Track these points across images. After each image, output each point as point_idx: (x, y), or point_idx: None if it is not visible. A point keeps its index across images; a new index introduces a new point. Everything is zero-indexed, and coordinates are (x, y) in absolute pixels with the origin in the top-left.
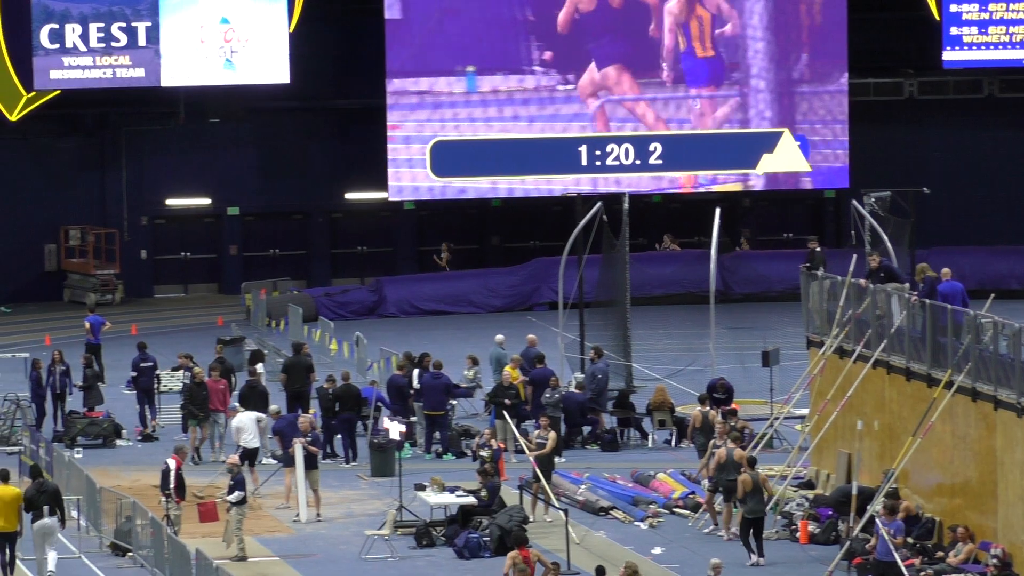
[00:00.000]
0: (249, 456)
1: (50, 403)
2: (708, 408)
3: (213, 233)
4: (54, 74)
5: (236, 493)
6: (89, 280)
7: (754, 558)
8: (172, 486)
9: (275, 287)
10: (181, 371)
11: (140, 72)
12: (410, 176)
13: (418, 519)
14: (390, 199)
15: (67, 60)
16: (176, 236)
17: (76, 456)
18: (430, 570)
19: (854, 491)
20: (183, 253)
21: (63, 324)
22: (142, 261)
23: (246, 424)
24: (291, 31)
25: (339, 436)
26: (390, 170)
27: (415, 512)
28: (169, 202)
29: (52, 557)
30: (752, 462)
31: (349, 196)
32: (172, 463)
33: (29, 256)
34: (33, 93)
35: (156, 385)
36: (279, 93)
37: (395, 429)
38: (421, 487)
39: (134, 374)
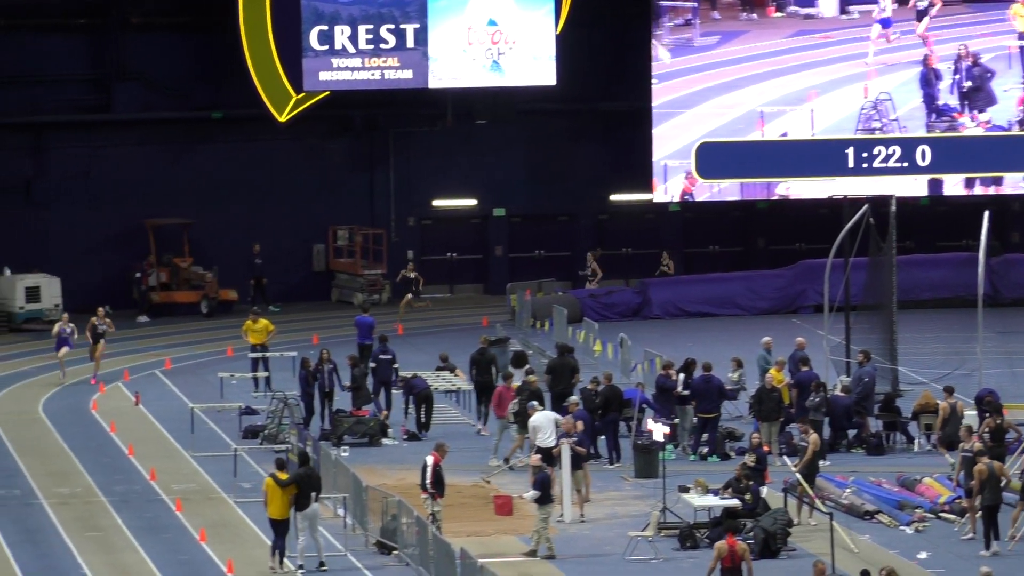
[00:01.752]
0: (547, 455)
1: (317, 402)
2: (955, 400)
3: (479, 234)
4: (323, 76)
5: (532, 492)
6: (356, 280)
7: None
8: (428, 482)
9: (540, 288)
10: (445, 371)
11: (408, 74)
12: (675, 178)
13: (682, 521)
14: (655, 201)
15: (336, 62)
16: (442, 237)
17: (342, 454)
18: (693, 572)
19: None
20: (449, 254)
21: (331, 324)
22: (409, 262)
23: (543, 423)
24: (558, 33)
25: (603, 437)
26: (655, 172)
27: (679, 514)
28: (436, 203)
29: (317, 545)
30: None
31: (614, 198)
32: (430, 460)
33: (299, 256)
34: (303, 94)
35: (394, 377)
36: (545, 95)
37: (659, 430)
38: (685, 489)
39: (372, 365)
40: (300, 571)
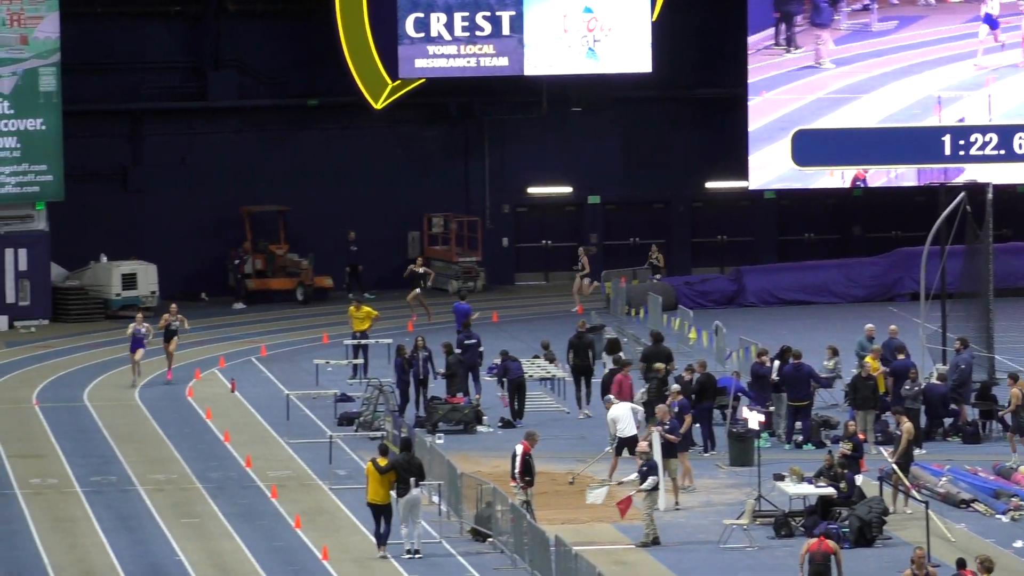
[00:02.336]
0: (627, 445)
1: (412, 389)
2: None
3: (574, 221)
4: (419, 63)
5: (650, 479)
6: (451, 267)
7: None
8: (516, 471)
9: (635, 276)
10: (541, 359)
11: (504, 61)
12: (771, 165)
13: (777, 509)
14: (751, 188)
15: (432, 49)
16: (537, 224)
17: (437, 442)
18: (789, 560)
19: None
20: (544, 241)
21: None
22: (503, 249)
23: (622, 414)
24: (653, 20)
25: (697, 425)
26: (751, 159)
27: (774, 502)
28: (531, 190)
29: (417, 532)
30: None
31: (710, 185)
32: (520, 448)
33: (394, 243)
34: (398, 82)
35: (481, 361)
36: (641, 82)
37: (754, 418)
38: (780, 477)
39: (458, 351)
40: (406, 556)
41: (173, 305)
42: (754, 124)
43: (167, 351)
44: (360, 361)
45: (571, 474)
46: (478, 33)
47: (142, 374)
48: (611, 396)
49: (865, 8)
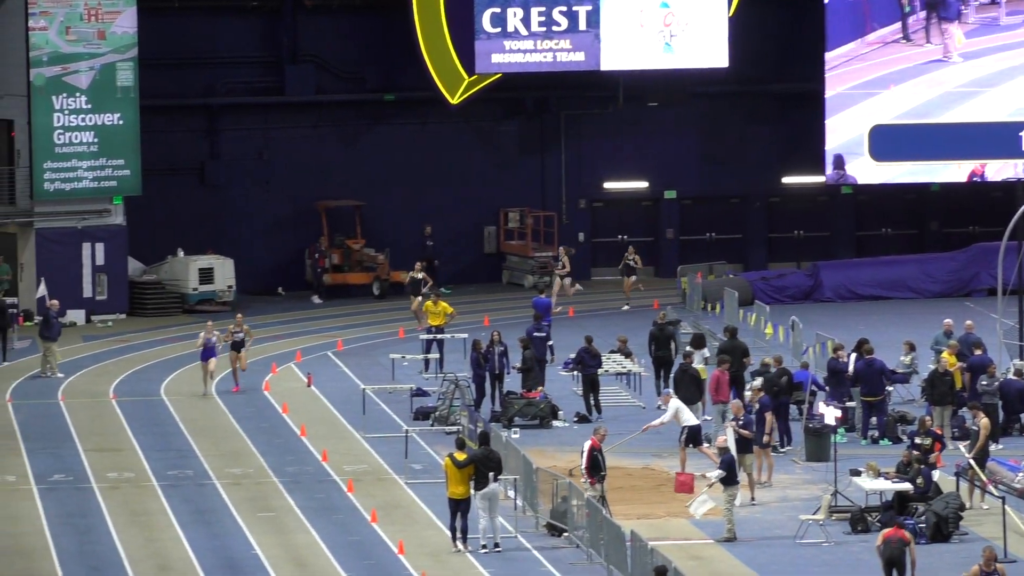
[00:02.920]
0: (692, 436)
1: (488, 384)
2: None
3: (650, 216)
4: (495, 58)
5: (717, 472)
6: (527, 262)
7: None
8: (584, 466)
9: (711, 271)
10: (618, 354)
11: (580, 56)
12: (848, 160)
13: (853, 504)
14: (828, 184)
15: (508, 44)
16: (613, 219)
17: (513, 436)
18: (865, 555)
19: None
20: (620, 236)
21: (501, 306)
22: (580, 244)
23: (682, 404)
24: (730, 15)
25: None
26: (828, 154)
27: (850, 497)
28: (607, 185)
29: (495, 525)
30: None
31: (786, 180)
32: (587, 444)
33: (470, 238)
34: (475, 77)
35: (551, 356)
36: (718, 77)
37: (830, 414)
38: (856, 472)
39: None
40: (483, 551)
41: (239, 315)
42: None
43: (233, 364)
44: (435, 356)
45: (647, 468)
46: (554, 28)
47: (214, 379)
48: (669, 390)
49: (993, 2)
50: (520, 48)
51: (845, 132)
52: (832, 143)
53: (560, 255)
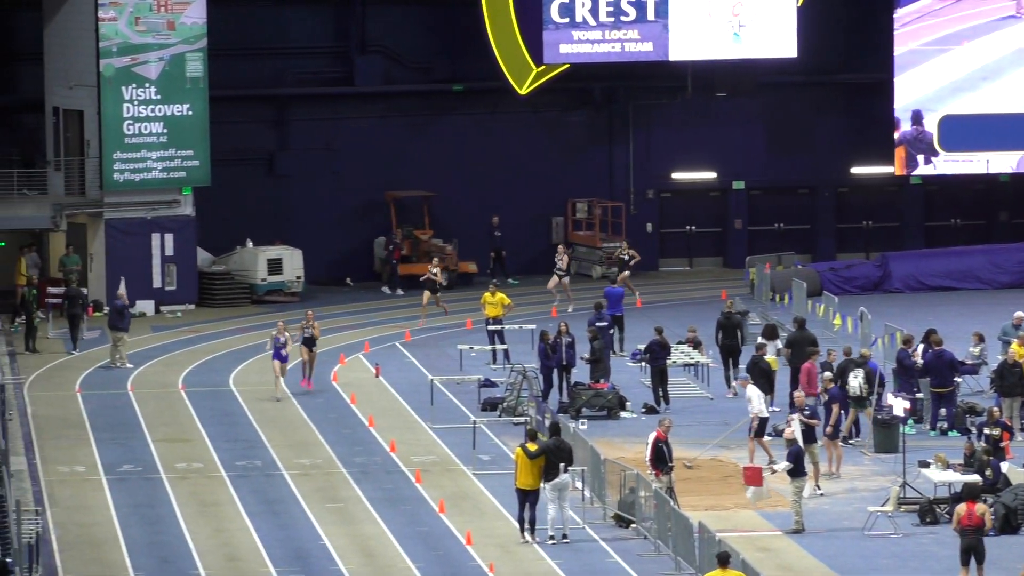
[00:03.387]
0: (759, 427)
1: (556, 374)
2: None
3: (718, 207)
4: (564, 48)
5: (783, 463)
6: (595, 253)
7: None
8: (648, 458)
9: (780, 261)
10: (688, 344)
11: (648, 46)
12: (917, 150)
13: (922, 496)
14: (897, 174)
15: (577, 34)
16: (681, 210)
17: (581, 427)
18: (934, 548)
19: None
20: (688, 227)
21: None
22: (647, 234)
23: (754, 394)
24: (799, 5)
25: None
26: (897, 144)
27: (919, 489)
28: (675, 176)
29: (564, 516)
30: None
31: (855, 170)
32: (652, 436)
33: (538, 229)
34: (543, 67)
35: (618, 347)
36: (786, 67)
37: (899, 405)
38: (925, 464)
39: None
40: (550, 542)
41: (309, 311)
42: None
43: (305, 359)
44: (504, 347)
45: (690, 460)
46: (623, 18)
47: (285, 377)
48: (746, 375)
49: None
50: (588, 38)
51: (916, 91)
52: (902, 126)
53: (559, 253)
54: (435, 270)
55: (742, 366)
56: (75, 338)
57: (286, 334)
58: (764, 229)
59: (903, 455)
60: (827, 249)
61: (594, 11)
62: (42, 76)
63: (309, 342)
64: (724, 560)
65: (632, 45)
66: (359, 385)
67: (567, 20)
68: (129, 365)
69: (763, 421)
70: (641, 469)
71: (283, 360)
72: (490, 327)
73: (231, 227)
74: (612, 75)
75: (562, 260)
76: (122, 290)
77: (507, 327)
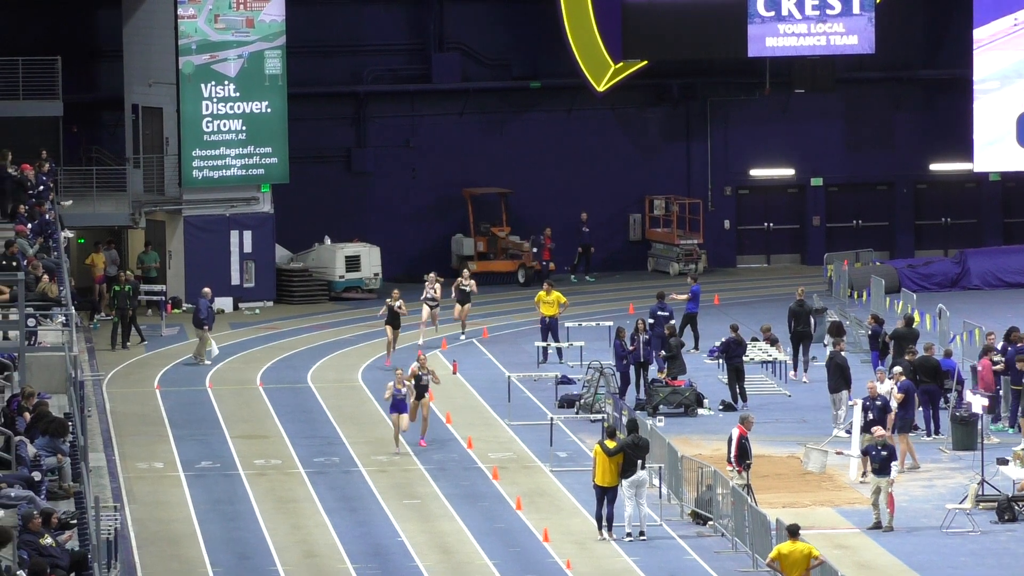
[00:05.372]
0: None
1: (633, 371)
2: None
3: (796, 204)
4: (769, 42)
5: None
6: (673, 250)
7: None
8: (732, 455)
9: (858, 258)
10: (765, 342)
11: (854, 39)
12: (997, 147)
13: (1000, 494)
14: (975, 170)
15: (782, 28)
16: (759, 206)
17: (658, 424)
18: (1012, 545)
19: None
20: (766, 223)
21: (647, 293)
22: (725, 231)
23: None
24: (878, 2)
25: (920, 408)
26: (976, 141)
27: (997, 486)
28: (753, 172)
29: (641, 513)
30: None
31: (934, 167)
32: (735, 432)
33: (615, 226)
34: (620, 64)
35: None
36: (865, 63)
37: (978, 402)
38: (1003, 461)
39: (651, 321)
40: (628, 539)
41: (421, 353)
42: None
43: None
44: (565, 344)
45: (792, 456)
46: (828, 11)
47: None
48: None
49: None
50: (794, 32)
51: (993, 114)
52: (980, 128)
53: (430, 282)
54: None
55: (813, 354)
56: (124, 335)
57: (406, 383)
58: (842, 226)
59: (982, 452)
60: (905, 246)
61: (799, 5)
62: (121, 74)
63: (421, 391)
64: (794, 531)
65: (837, 39)
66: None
67: (772, 14)
68: (207, 362)
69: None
70: (719, 466)
71: (403, 411)
72: (544, 326)
73: (309, 224)
74: (690, 71)
75: (434, 289)
76: (207, 288)
77: (584, 324)
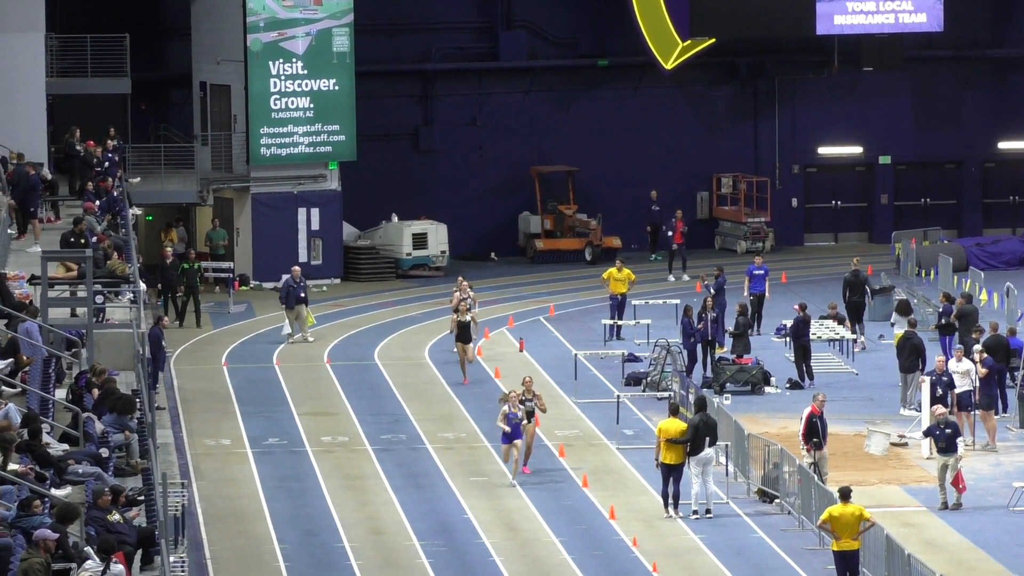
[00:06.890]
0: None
1: (700, 349)
2: None
3: (864, 182)
4: (838, 19)
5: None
6: (740, 228)
7: None
8: (801, 432)
9: (925, 236)
10: (832, 320)
11: (922, 17)
12: None
13: None
14: None
15: (851, 6)
16: (827, 185)
17: (724, 402)
18: None
19: None
20: (833, 202)
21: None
22: (793, 209)
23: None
24: None
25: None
26: None
27: None
28: (821, 151)
29: (708, 491)
30: None
31: (1003, 146)
32: (807, 410)
33: (683, 203)
34: (688, 42)
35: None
36: (933, 42)
37: None
38: None
39: (713, 292)
40: (694, 517)
41: (527, 377)
42: None
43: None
44: (633, 323)
45: (859, 435)
46: None
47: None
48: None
49: None
50: (863, 9)
51: None
52: None
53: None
54: (467, 318)
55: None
56: (180, 311)
57: (521, 407)
58: (910, 204)
59: None
60: (973, 224)
61: None
62: (189, 51)
63: (527, 416)
64: (845, 494)
65: (905, 16)
66: (503, 359)
67: None
68: (311, 339)
69: (962, 394)
70: (785, 444)
71: (517, 438)
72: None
73: (376, 202)
74: (758, 50)
75: (464, 292)
76: (296, 267)
77: (651, 303)
